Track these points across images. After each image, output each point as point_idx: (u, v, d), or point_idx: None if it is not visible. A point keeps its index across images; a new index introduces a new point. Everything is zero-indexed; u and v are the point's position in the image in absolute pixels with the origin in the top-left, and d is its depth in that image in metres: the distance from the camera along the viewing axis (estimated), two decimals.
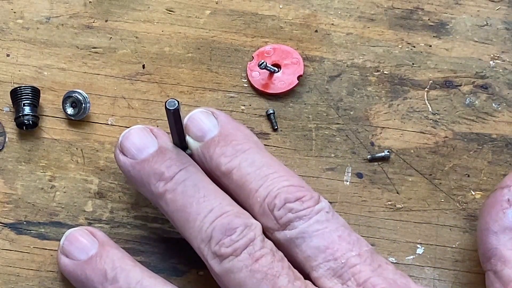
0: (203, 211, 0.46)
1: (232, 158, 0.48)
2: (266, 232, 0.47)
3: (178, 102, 0.45)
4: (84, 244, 0.49)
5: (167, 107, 0.45)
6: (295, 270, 0.45)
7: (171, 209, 0.47)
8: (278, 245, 0.47)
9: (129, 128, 0.50)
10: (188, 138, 0.50)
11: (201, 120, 0.50)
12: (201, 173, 0.48)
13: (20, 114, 0.53)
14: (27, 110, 0.53)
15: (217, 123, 0.49)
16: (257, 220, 0.47)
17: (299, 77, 0.55)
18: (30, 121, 0.53)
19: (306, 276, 0.46)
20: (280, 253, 0.46)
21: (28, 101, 0.53)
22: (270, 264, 0.45)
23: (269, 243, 0.46)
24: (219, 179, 0.49)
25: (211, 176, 0.49)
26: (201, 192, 0.47)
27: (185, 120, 0.50)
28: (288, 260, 0.47)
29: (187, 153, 0.49)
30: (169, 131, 0.48)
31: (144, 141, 0.49)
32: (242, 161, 0.48)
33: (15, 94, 0.53)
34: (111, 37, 0.56)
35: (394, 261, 0.52)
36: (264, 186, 0.47)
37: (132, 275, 0.47)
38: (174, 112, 0.46)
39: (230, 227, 0.45)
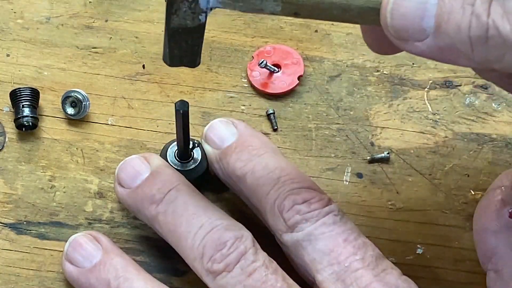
0: (193, 229, 0.46)
1: (247, 163, 0.49)
2: (276, 234, 0.47)
3: (188, 104, 0.46)
4: (88, 251, 0.49)
5: (177, 108, 0.46)
6: (291, 281, 0.46)
7: (164, 230, 0.48)
8: (286, 247, 0.47)
9: (124, 160, 0.51)
10: (206, 146, 0.51)
11: (220, 129, 0.51)
12: (191, 190, 0.49)
13: (20, 116, 0.53)
14: (26, 111, 0.53)
15: (236, 131, 0.50)
16: (268, 222, 0.47)
17: (299, 77, 0.55)
18: (30, 123, 0.53)
19: (312, 279, 0.46)
20: (274, 264, 0.46)
21: (27, 103, 0.53)
22: (263, 277, 0.45)
23: (261, 254, 0.46)
24: (235, 185, 0.49)
25: (229, 182, 0.50)
26: (190, 209, 0.47)
27: (205, 129, 0.51)
28: (296, 262, 0.47)
29: (191, 154, 0.50)
30: (175, 133, 0.49)
31: (137, 169, 0.50)
32: (256, 165, 0.48)
33: (14, 96, 0.53)
34: (111, 37, 0.56)
35: (394, 261, 0.52)
36: (275, 188, 0.47)
37: (135, 285, 0.47)
38: (183, 114, 0.47)
39: (220, 241, 0.46)
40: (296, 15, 0.40)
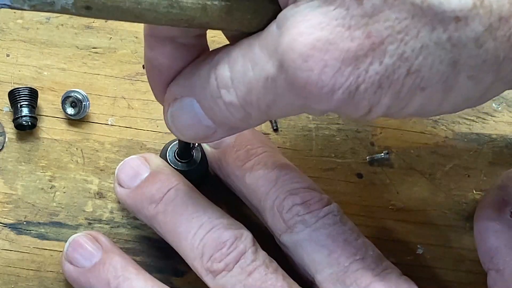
0: (193, 228, 0.46)
1: (245, 162, 0.49)
2: (276, 234, 0.47)
3: None
4: (88, 251, 0.49)
5: None
6: (291, 280, 0.46)
7: (164, 230, 0.48)
8: (286, 247, 0.47)
9: (123, 160, 0.51)
10: (206, 146, 0.51)
11: None
12: (191, 189, 0.49)
13: (18, 116, 0.53)
14: (25, 111, 0.53)
15: None
16: (267, 222, 0.47)
17: None
18: (29, 122, 0.53)
19: (312, 279, 0.46)
20: (274, 264, 0.46)
21: (25, 103, 0.53)
22: (263, 277, 0.45)
23: (261, 254, 0.46)
24: (234, 185, 0.49)
25: (228, 182, 0.50)
26: (189, 209, 0.47)
27: None
28: (295, 262, 0.47)
29: (192, 155, 0.51)
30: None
31: (137, 169, 0.50)
32: (255, 165, 0.48)
33: (13, 96, 0.53)
34: (111, 37, 0.56)
35: (394, 261, 0.52)
36: (274, 188, 0.47)
37: (135, 284, 0.47)
38: None
39: (220, 240, 0.46)
40: (88, 9, 0.36)
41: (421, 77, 0.36)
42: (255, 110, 0.39)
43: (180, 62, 0.42)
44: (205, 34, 0.43)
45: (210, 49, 0.42)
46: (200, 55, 0.42)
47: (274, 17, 0.38)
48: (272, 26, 0.37)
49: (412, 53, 0.35)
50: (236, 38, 0.40)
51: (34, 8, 0.35)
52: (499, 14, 0.35)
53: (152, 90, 0.45)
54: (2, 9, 0.35)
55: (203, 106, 0.41)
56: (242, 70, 0.38)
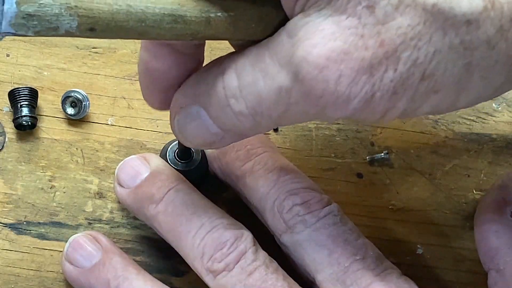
0: (193, 228, 0.46)
1: (245, 162, 0.49)
2: (276, 234, 0.47)
3: None
4: (88, 252, 0.49)
5: None
6: (291, 280, 0.46)
7: (164, 230, 0.48)
8: (286, 247, 0.47)
9: (123, 160, 0.51)
10: None
11: None
12: (190, 189, 0.49)
13: (18, 116, 0.53)
14: (25, 111, 0.53)
15: None
16: (268, 222, 0.47)
17: None
18: (29, 122, 0.53)
19: (312, 279, 0.46)
20: (275, 264, 0.46)
21: (25, 103, 0.53)
22: (263, 277, 0.45)
23: (262, 254, 0.46)
24: (234, 184, 0.49)
25: (228, 182, 0.50)
26: (190, 209, 0.47)
27: None
28: (296, 262, 0.47)
29: (192, 155, 0.51)
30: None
31: (137, 169, 0.50)
32: (255, 165, 0.49)
33: (13, 96, 0.53)
34: None
35: (394, 261, 0.52)
36: (275, 188, 0.47)
37: (135, 284, 0.47)
38: None
39: (221, 240, 0.46)
40: (92, 31, 0.36)
41: (434, 81, 0.36)
42: (265, 119, 0.39)
43: (176, 69, 0.42)
44: (204, 44, 0.43)
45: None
46: (198, 65, 0.42)
47: (279, 24, 0.38)
48: (282, 36, 0.37)
49: (426, 58, 0.35)
50: (241, 45, 0.40)
51: (38, 34, 0.35)
52: (510, 15, 0.35)
53: (142, 91, 0.45)
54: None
55: (211, 114, 0.41)
56: (251, 80, 0.38)
